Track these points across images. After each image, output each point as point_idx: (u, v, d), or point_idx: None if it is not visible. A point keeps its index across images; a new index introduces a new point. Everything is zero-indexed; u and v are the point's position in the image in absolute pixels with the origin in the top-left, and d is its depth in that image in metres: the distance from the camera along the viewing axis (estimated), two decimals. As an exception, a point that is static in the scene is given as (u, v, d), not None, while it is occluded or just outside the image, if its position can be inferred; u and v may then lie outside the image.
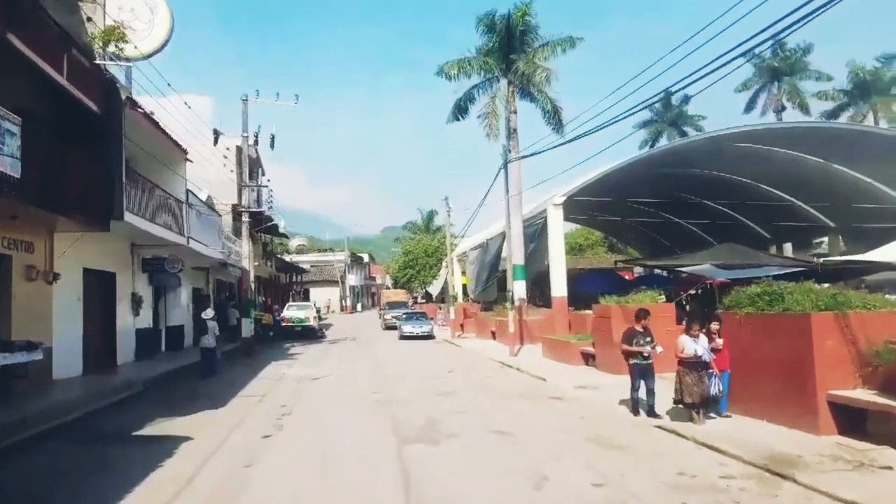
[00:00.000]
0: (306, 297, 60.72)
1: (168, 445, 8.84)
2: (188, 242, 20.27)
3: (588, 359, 16.47)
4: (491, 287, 35.37)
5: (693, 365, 9.16)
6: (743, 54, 9.84)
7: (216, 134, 23.55)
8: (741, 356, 9.61)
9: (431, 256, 58.74)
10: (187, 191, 20.73)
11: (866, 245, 25.69)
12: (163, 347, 23.43)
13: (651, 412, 10.09)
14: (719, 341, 9.47)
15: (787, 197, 28.19)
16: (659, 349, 10.13)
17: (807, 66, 47.35)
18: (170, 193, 19.15)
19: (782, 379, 8.96)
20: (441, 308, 44.80)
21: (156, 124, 17.91)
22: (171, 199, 19.08)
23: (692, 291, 23.06)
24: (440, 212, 69.50)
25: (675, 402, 9.61)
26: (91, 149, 13.55)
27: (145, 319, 20.97)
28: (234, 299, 32.51)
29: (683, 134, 49.93)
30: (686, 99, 58.55)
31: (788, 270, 22.28)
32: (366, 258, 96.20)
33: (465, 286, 41.90)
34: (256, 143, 24.57)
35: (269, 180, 28.93)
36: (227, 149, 25.73)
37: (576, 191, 26.03)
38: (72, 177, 12.41)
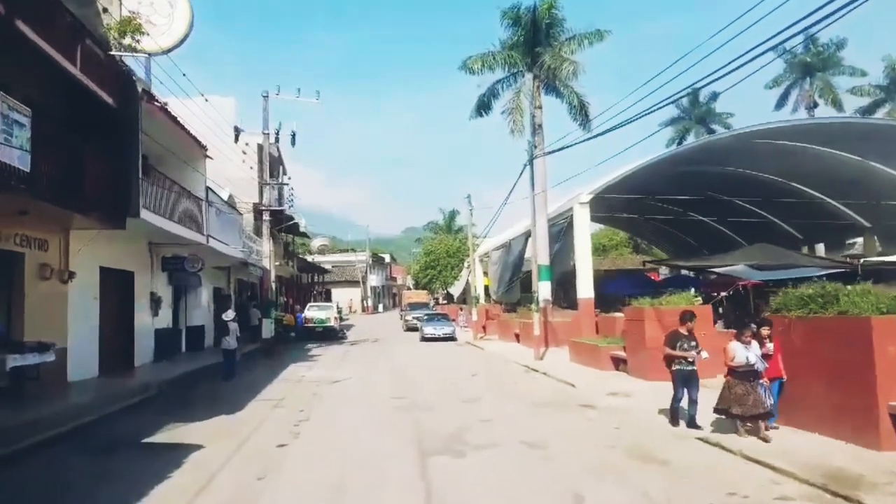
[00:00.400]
0: (328, 298, 60.48)
1: (178, 455, 8.35)
2: (207, 241, 19.91)
3: (618, 363, 15.75)
4: (514, 288, 34.69)
5: (744, 374, 8.39)
6: (773, 48, 9.35)
7: (237, 131, 23.28)
8: (789, 363, 8.86)
9: (453, 257, 58.19)
10: (207, 188, 20.38)
11: None
12: (183, 348, 23.13)
13: (692, 423, 9.37)
14: (770, 346, 8.66)
15: (819, 195, 27.07)
16: (704, 354, 9.42)
17: (840, 61, 45.99)
18: (189, 191, 18.82)
19: (838, 388, 8.20)
20: (462, 309, 44.18)
21: (174, 119, 17.56)
22: (190, 197, 18.75)
23: (724, 293, 22.18)
24: (462, 211, 69.20)
25: (718, 411, 8.89)
26: (107, 143, 13.18)
27: (164, 319, 20.68)
28: (256, 299, 32.24)
29: (711, 132, 48.77)
30: (714, 96, 57.34)
31: (827, 272, 21.31)
32: (387, 258, 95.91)
33: (486, 287, 41.22)
34: (277, 140, 24.20)
35: (289, 178, 28.54)
36: (248, 145, 25.42)
37: (602, 188, 25.22)
38: (86, 172, 12.02)
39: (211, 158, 20.45)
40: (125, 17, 14.75)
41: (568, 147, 20.82)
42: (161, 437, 9.76)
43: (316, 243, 79.03)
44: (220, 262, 25.54)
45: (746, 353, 8.36)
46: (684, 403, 9.49)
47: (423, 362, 20.89)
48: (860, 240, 31.29)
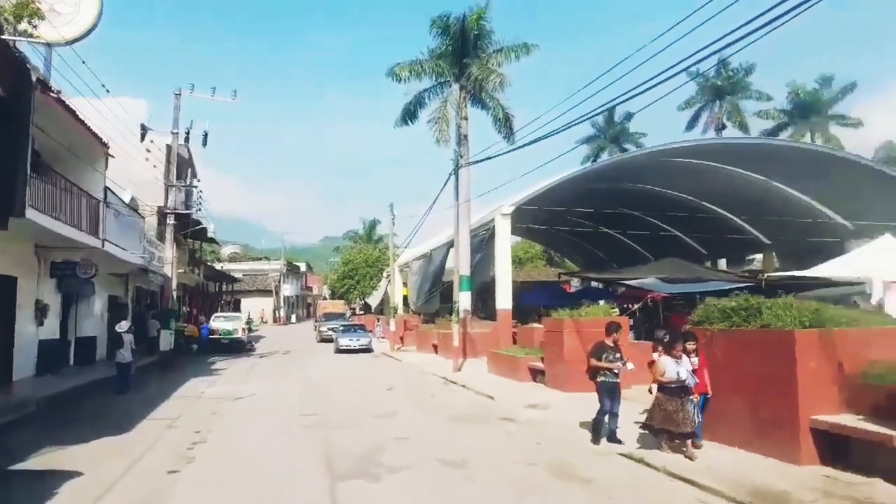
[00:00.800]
0: (237, 308, 57.99)
1: (51, 484, 7.28)
2: (103, 245, 18.29)
3: (536, 374, 15.56)
4: (434, 298, 34.29)
5: (675, 390, 8.17)
6: (685, 70, 9.51)
7: (143, 130, 21.67)
8: (712, 376, 8.78)
9: (372, 266, 57.28)
10: (106, 189, 18.76)
11: (797, 262, 26.03)
12: (71, 361, 21.21)
13: (613, 437, 9.15)
14: (695, 360, 8.50)
15: (723, 212, 28.39)
16: (630, 366, 9.23)
17: (748, 85, 48.55)
18: (85, 191, 17.24)
19: (760, 402, 8.17)
20: (380, 320, 43.33)
21: (72, 112, 16.10)
22: (86, 197, 17.16)
23: (636, 305, 22.65)
24: (384, 221, 68.46)
25: (643, 426, 8.69)
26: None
27: (51, 330, 18.77)
28: (155, 308, 30.18)
29: (624, 150, 50.45)
30: (628, 116, 59.62)
31: (734, 286, 22.14)
32: (303, 267, 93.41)
33: (405, 297, 40.61)
34: (187, 140, 22.72)
35: (199, 181, 26.78)
36: (153, 143, 23.60)
37: (524, 200, 25.33)
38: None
39: (113, 157, 18.86)
40: (22, 0, 13.37)
41: (492, 158, 20.70)
42: (35, 461, 8.56)
43: (227, 251, 76.05)
44: (117, 268, 23.64)
45: (677, 368, 8.13)
46: (606, 417, 9.26)
47: (337, 375, 20.02)
48: (759, 256, 32.98)
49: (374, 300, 55.67)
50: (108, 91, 17.74)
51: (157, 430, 10.77)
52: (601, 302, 21.42)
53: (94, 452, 9.06)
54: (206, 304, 47.28)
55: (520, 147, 18.88)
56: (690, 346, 8.46)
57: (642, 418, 8.88)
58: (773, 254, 29.96)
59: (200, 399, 14.70)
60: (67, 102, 15.82)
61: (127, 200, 25.08)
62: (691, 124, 49.53)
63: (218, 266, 58.96)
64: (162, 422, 11.49)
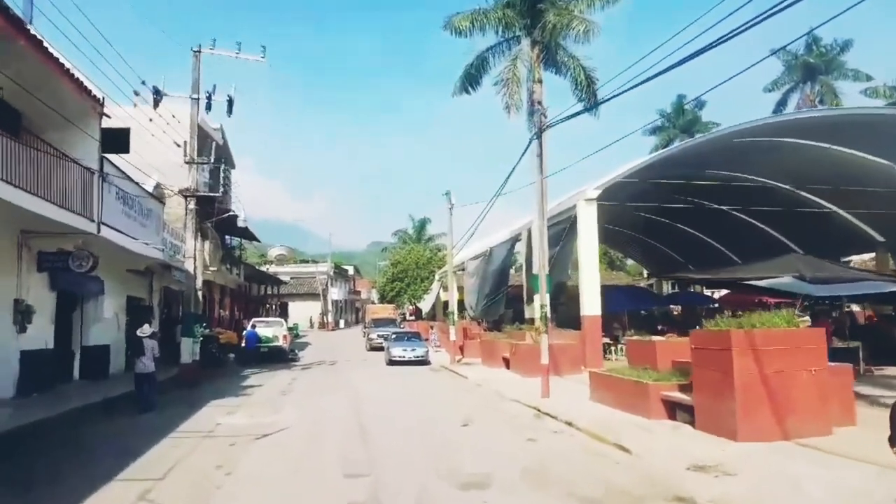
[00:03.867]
0: (284, 312, 54.79)
1: None
2: (99, 230, 14.61)
3: (674, 409, 10.97)
4: (498, 302, 29.88)
5: None
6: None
7: (157, 95, 17.94)
8: None
9: (423, 268, 53.16)
10: (102, 157, 15.05)
11: None
12: (76, 375, 17.73)
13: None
14: None
15: (826, 204, 23.11)
16: None
17: (843, 64, 43.13)
18: (72, 158, 13.60)
19: None
20: (433, 327, 39.08)
21: (53, 60, 12.49)
22: (74, 166, 13.52)
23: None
24: (433, 220, 64.37)
25: None
26: None
27: (39, 337, 15.14)
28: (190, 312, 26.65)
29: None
30: (700, 104, 54.39)
31: (903, 286, 17.18)
32: (350, 271, 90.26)
33: (460, 302, 36.25)
34: (209, 106, 18.90)
35: (225, 166, 22.62)
36: (175, 118, 20.02)
37: (611, 183, 20.87)
38: None
39: (108, 117, 15.11)
40: None
41: (579, 114, 16.12)
42: None
43: (273, 252, 73.32)
44: (133, 262, 20.12)
45: None
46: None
47: (392, 399, 15.78)
48: (861, 257, 27.66)
49: (425, 305, 51.63)
50: (113, 40, 14.13)
51: (125, 499, 6.75)
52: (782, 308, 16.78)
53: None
54: (249, 309, 44.09)
55: (601, 103, 14.72)
56: None
57: None
58: (889, 255, 24.60)
59: (210, 437, 10.67)
60: (46, 46, 12.21)
61: (151, 188, 21.62)
62: (778, 109, 44.26)
63: (264, 268, 55.95)
64: (136, 485, 7.37)
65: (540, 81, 20.57)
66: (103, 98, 14.53)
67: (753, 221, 26.56)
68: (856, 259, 27.47)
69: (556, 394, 14.70)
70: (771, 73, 45.94)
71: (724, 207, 25.45)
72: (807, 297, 17.71)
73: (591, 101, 20.91)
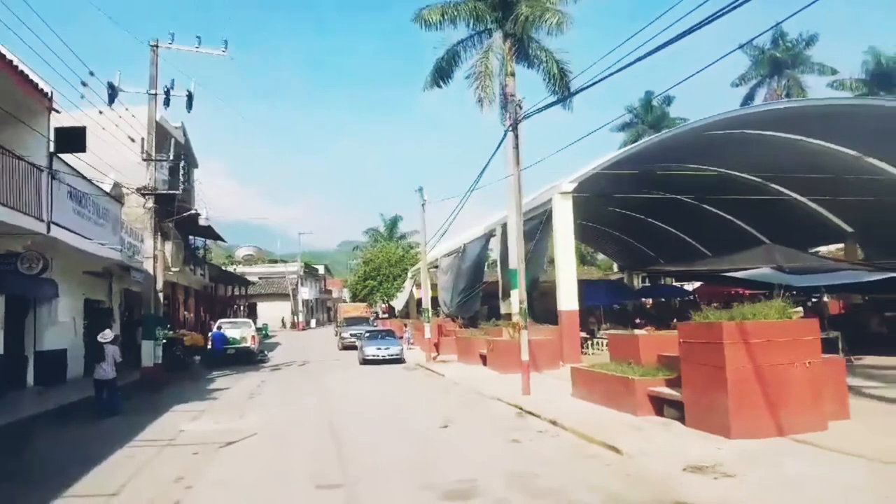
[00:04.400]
0: (252, 312, 53.58)
1: None
2: (49, 230, 13.69)
3: (661, 406, 10.58)
4: (473, 299, 29.42)
5: None
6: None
7: (112, 91, 16.94)
8: None
9: (395, 266, 52.40)
10: (51, 155, 14.11)
11: (891, 253, 21.03)
12: (30, 381, 16.76)
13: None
14: None
15: (793, 195, 23.28)
16: None
17: (809, 58, 43.73)
18: (16, 155, 12.67)
19: None
20: (407, 325, 38.47)
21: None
22: (21, 164, 12.59)
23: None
24: (405, 218, 63.63)
25: None
26: None
27: (-15, 343, 14.21)
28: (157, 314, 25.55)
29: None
30: (668, 100, 54.68)
31: (881, 276, 17.12)
32: (321, 270, 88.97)
33: (433, 299, 35.69)
34: (167, 102, 17.99)
35: (185, 164, 21.45)
36: (135, 117, 19.06)
37: (586, 175, 20.55)
38: None
39: (58, 112, 14.17)
40: None
41: (554, 105, 15.68)
42: None
43: (241, 252, 71.86)
44: (90, 264, 19.11)
45: None
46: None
47: (367, 400, 15.14)
48: (830, 248, 27.92)
49: (398, 303, 50.95)
50: (61, 36, 13.20)
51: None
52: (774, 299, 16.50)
53: None
54: (216, 309, 42.88)
55: (581, 90, 14.42)
56: None
57: None
58: (857, 245, 24.82)
59: (172, 445, 9.95)
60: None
61: (109, 187, 20.60)
62: (745, 104, 44.66)
63: (231, 269, 54.61)
64: (90, 501, 6.75)
65: (513, 74, 20.06)
66: (51, 93, 13.60)
67: (723, 214, 26.69)
68: (823, 250, 27.67)
69: (537, 391, 14.27)
70: (738, 68, 46.37)
71: (694, 201, 25.46)
72: (786, 287, 17.54)
73: (564, 93, 20.53)
